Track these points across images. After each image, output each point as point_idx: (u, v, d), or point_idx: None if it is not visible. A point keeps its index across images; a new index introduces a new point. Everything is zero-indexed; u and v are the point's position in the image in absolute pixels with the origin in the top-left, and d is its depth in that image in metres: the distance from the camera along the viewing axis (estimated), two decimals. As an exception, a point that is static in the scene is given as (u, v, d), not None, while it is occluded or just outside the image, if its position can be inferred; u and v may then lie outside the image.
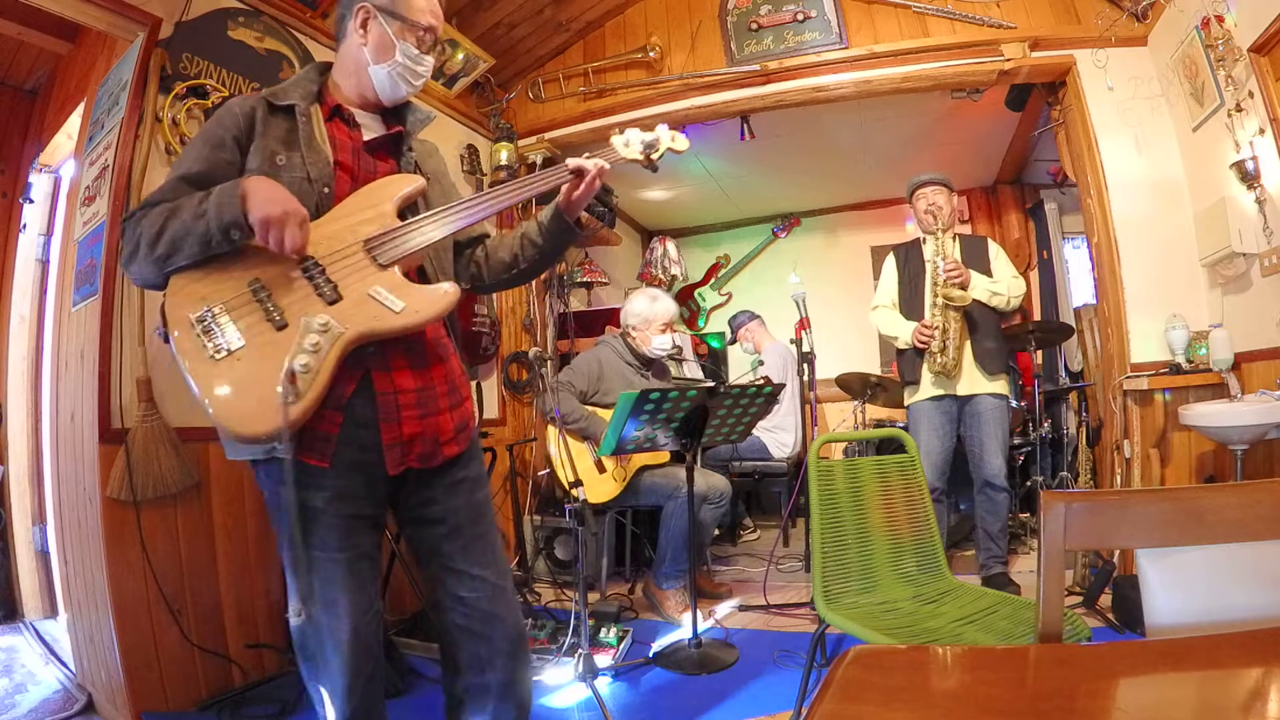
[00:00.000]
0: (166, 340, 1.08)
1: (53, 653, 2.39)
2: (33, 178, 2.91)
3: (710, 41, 3.38)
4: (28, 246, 2.91)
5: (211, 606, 2.08)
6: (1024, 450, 3.68)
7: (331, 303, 1.13)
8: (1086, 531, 0.81)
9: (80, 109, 2.41)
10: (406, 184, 1.27)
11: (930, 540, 1.75)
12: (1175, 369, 2.61)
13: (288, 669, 2.14)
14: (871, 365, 4.98)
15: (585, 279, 4.26)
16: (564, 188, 1.35)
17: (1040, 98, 3.35)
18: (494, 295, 3.60)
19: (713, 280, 6.19)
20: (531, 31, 3.47)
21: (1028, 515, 3.68)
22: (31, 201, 2.91)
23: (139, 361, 1.98)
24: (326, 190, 1.20)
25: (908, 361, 2.85)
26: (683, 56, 3.42)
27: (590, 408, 2.83)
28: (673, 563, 2.71)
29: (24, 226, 2.92)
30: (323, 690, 1.19)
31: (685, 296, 6.09)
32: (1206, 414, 2.22)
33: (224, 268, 1.12)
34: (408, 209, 1.26)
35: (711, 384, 2.61)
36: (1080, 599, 2.50)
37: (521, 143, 3.68)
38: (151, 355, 2.00)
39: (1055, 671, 0.67)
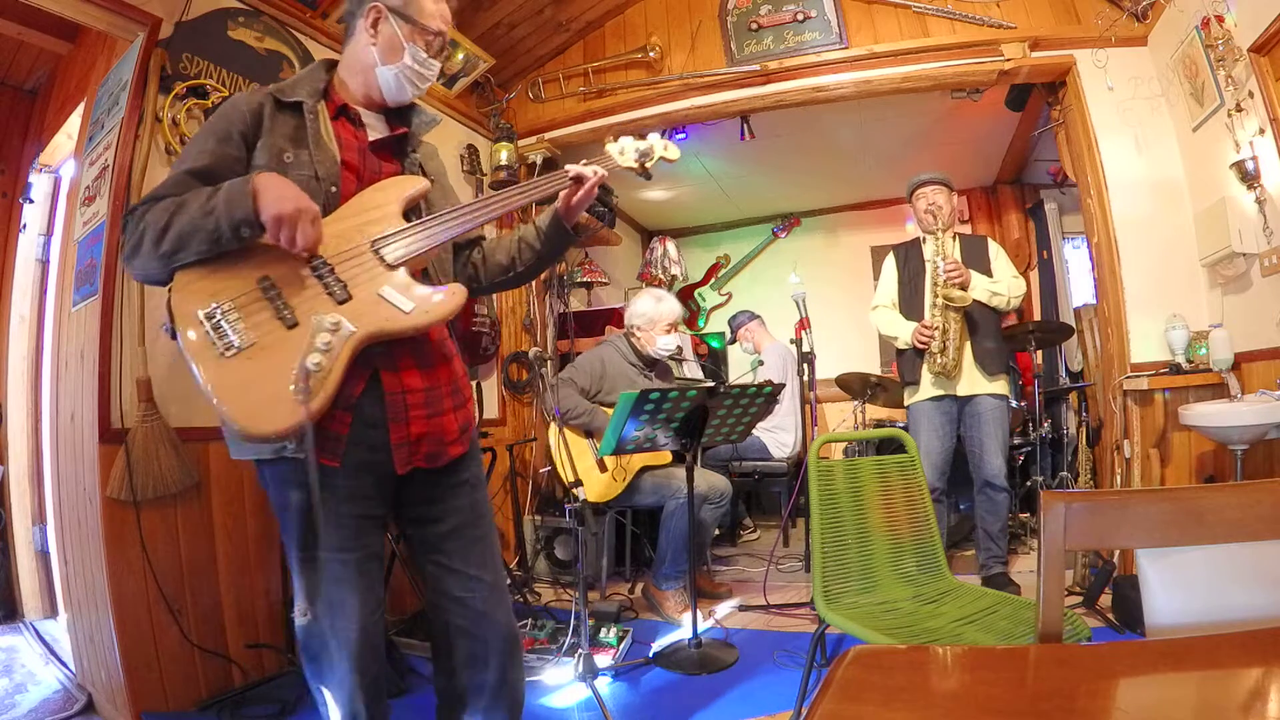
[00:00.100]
0: (174, 336, 1.06)
1: (53, 653, 2.39)
2: (33, 178, 2.91)
3: (710, 41, 3.38)
4: (28, 246, 2.91)
5: (211, 606, 2.08)
6: (1024, 450, 3.68)
7: (341, 302, 1.12)
8: (1086, 531, 0.81)
9: (80, 109, 2.41)
10: (412, 185, 1.27)
11: (930, 540, 1.75)
12: (1175, 369, 2.61)
13: (288, 669, 2.14)
14: (871, 365, 4.98)
15: (585, 279, 4.26)
16: (563, 194, 1.38)
17: (1040, 98, 3.35)
18: (494, 295, 3.60)
19: (713, 280, 6.19)
20: (531, 31, 3.47)
21: (1028, 515, 3.68)
22: (31, 201, 2.91)
23: (139, 361, 1.98)
24: (334, 189, 1.20)
25: (908, 362, 2.85)
26: (683, 56, 3.42)
27: (592, 403, 2.84)
28: (673, 563, 2.71)
29: (24, 226, 2.92)
30: (326, 691, 1.19)
31: (685, 296, 6.09)
32: (1206, 414, 2.22)
33: (231, 264, 1.10)
34: (411, 210, 1.26)
35: (711, 384, 2.61)
36: (1080, 599, 2.50)
37: (521, 143, 3.68)
38: (151, 355, 2.01)
39: (1055, 671, 0.67)
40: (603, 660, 2.21)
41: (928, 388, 2.78)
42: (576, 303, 4.44)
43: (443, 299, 1.19)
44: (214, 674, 2.03)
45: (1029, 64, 2.97)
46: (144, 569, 1.90)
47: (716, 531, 3.73)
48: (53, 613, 2.71)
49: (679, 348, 3.02)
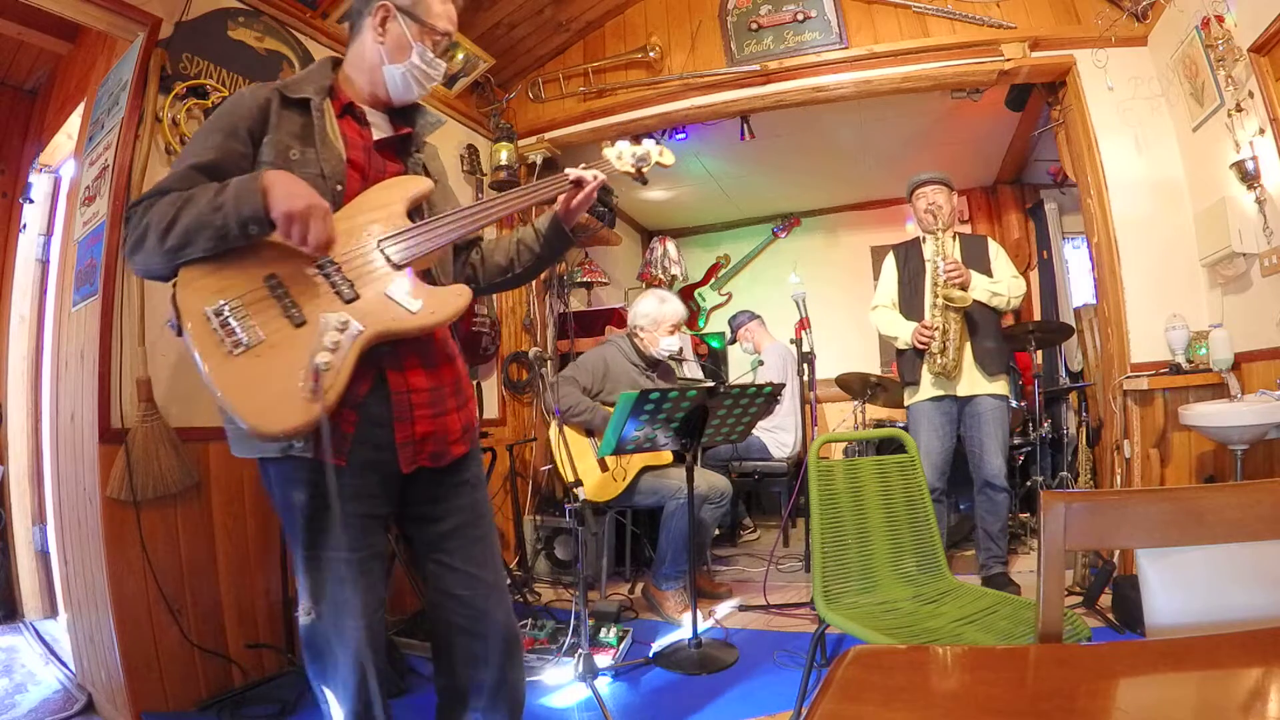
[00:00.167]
0: (179, 333, 1.05)
1: (53, 653, 2.39)
2: (33, 178, 2.91)
3: (710, 41, 3.38)
4: (28, 246, 2.91)
5: (211, 606, 2.08)
6: (1024, 450, 3.68)
7: (349, 301, 1.12)
8: (1086, 531, 0.81)
9: (80, 109, 2.41)
10: (417, 185, 1.28)
11: (930, 540, 1.75)
12: (1175, 369, 2.61)
13: (288, 669, 2.14)
14: (871, 365, 4.98)
15: (585, 279, 4.26)
16: (562, 197, 1.40)
17: (1040, 98, 3.35)
18: (494, 295, 3.60)
19: (713, 280, 6.19)
20: (531, 31, 3.47)
21: (1028, 515, 3.68)
22: (31, 201, 2.91)
23: (139, 361, 1.98)
24: (339, 188, 1.20)
25: (907, 362, 2.85)
26: (683, 56, 3.42)
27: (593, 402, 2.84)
28: (673, 563, 2.71)
29: (24, 226, 2.92)
30: (329, 690, 1.19)
31: (685, 296, 6.09)
32: (1206, 414, 2.22)
33: (237, 261, 1.09)
34: (415, 211, 1.27)
35: (711, 384, 2.61)
36: (1080, 599, 2.50)
37: (521, 143, 3.68)
38: (151, 355, 2.01)
39: (1055, 671, 0.67)
40: (603, 660, 2.21)
41: (928, 388, 2.78)
42: (576, 303, 4.44)
43: (449, 300, 1.20)
44: (214, 674, 2.03)
45: (1029, 64, 2.97)
46: (144, 569, 1.90)
47: (716, 531, 3.73)
48: (53, 613, 2.71)
49: (680, 348, 3.02)
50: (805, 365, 3.00)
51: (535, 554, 3.37)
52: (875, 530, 1.73)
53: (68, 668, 2.24)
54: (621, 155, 1.49)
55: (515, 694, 1.34)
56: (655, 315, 2.95)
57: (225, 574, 2.12)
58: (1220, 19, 2.33)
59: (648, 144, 1.52)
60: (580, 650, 1.96)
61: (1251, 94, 2.27)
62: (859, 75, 3.16)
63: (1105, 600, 2.44)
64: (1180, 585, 0.81)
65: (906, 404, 2.90)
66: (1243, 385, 2.36)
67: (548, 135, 3.68)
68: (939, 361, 2.68)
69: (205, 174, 1.12)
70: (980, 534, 2.79)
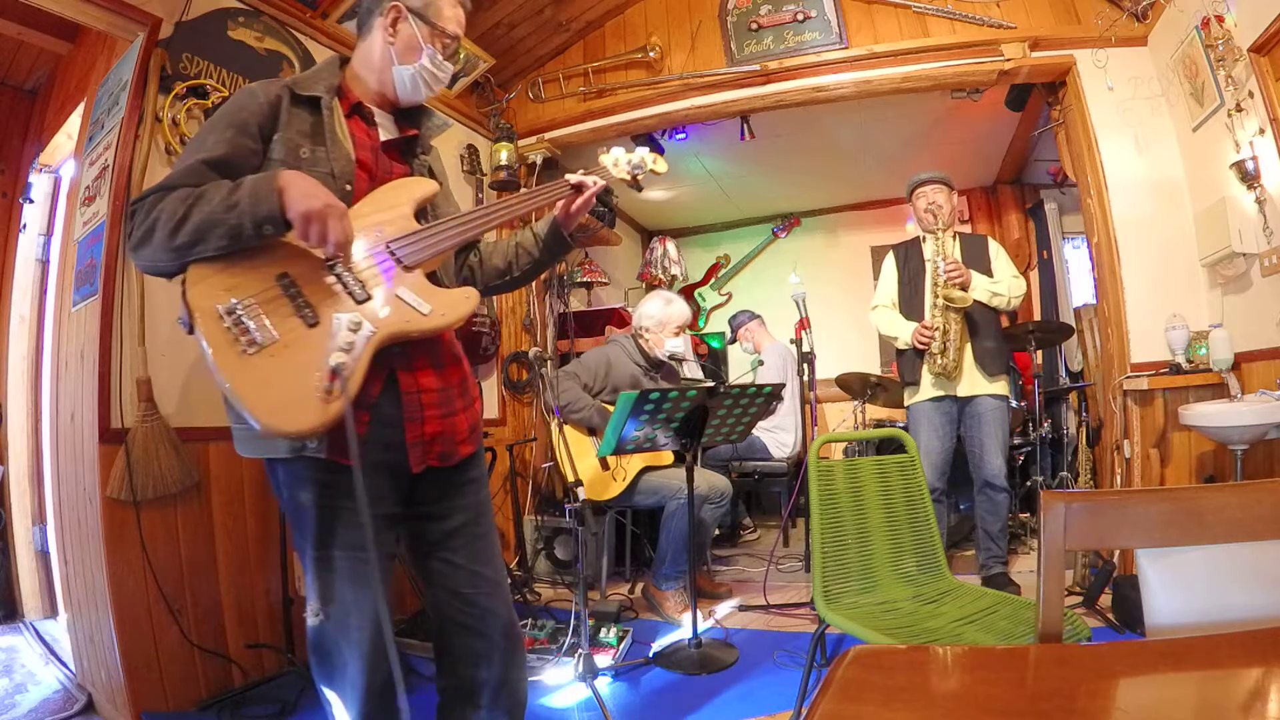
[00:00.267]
0: (190, 330, 1.04)
1: (53, 653, 2.39)
2: (33, 178, 2.91)
3: (710, 41, 3.38)
4: (28, 246, 2.91)
5: (211, 606, 2.08)
6: (1024, 450, 3.68)
7: (361, 302, 1.12)
8: (1086, 531, 0.81)
9: (80, 109, 2.41)
10: (424, 187, 1.29)
11: (930, 540, 1.75)
12: (1175, 369, 2.61)
13: (288, 669, 2.14)
14: (871, 365, 4.98)
15: (585, 279, 4.26)
16: (561, 202, 1.41)
17: (1040, 98, 3.35)
18: (494, 296, 3.60)
19: (713, 280, 6.19)
20: (531, 31, 3.47)
21: (1028, 515, 3.68)
22: (31, 201, 2.91)
23: (139, 361, 1.98)
24: (348, 187, 1.20)
25: (908, 362, 2.85)
26: (683, 56, 3.42)
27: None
28: (672, 563, 2.71)
29: (24, 226, 2.92)
30: (334, 693, 1.19)
31: (685, 296, 6.08)
32: (1206, 414, 2.22)
33: (249, 259, 1.08)
34: (420, 212, 1.27)
35: (711, 384, 2.61)
36: (1080, 599, 2.50)
37: (521, 143, 3.68)
38: (151, 355, 2.01)
39: (1055, 671, 0.67)
40: (603, 660, 2.21)
41: (928, 388, 2.78)
42: (576, 303, 4.44)
43: (459, 302, 1.21)
44: (214, 674, 2.03)
45: (1029, 64, 2.97)
46: (144, 569, 1.90)
47: (716, 531, 3.73)
48: (53, 613, 2.71)
49: (682, 349, 3.02)
50: (805, 365, 3.00)
51: (535, 554, 3.37)
52: (875, 530, 1.73)
53: (68, 668, 2.24)
54: (618, 163, 1.52)
55: (517, 693, 1.35)
56: (661, 317, 2.95)
57: (225, 574, 2.12)
58: (1220, 19, 2.33)
59: (640, 152, 1.55)
60: (580, 650, 1.96)
61: (1251, 94, 2.27)
62: (859, 75, 3.16)
63: (1105, 600, 2.44)
64: (1180, 585, 0.81)
65: (906, 404, 2.90)
66: (1243, 385, 2.36)
67: (548, 135, 3.68)
68: (939, 362, 2.68)
69: (215, 169, 1.10)
70: (980, 534, 2.79)
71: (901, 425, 2.94)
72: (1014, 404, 3.43)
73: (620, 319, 4.15)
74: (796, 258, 5.92)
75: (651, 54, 3.40)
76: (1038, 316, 4.76)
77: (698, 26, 3.40)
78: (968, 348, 2.74)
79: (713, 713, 1.93)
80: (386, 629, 1.09)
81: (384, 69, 1.29)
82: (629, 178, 1.53)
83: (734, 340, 4.50)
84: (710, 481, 2.77)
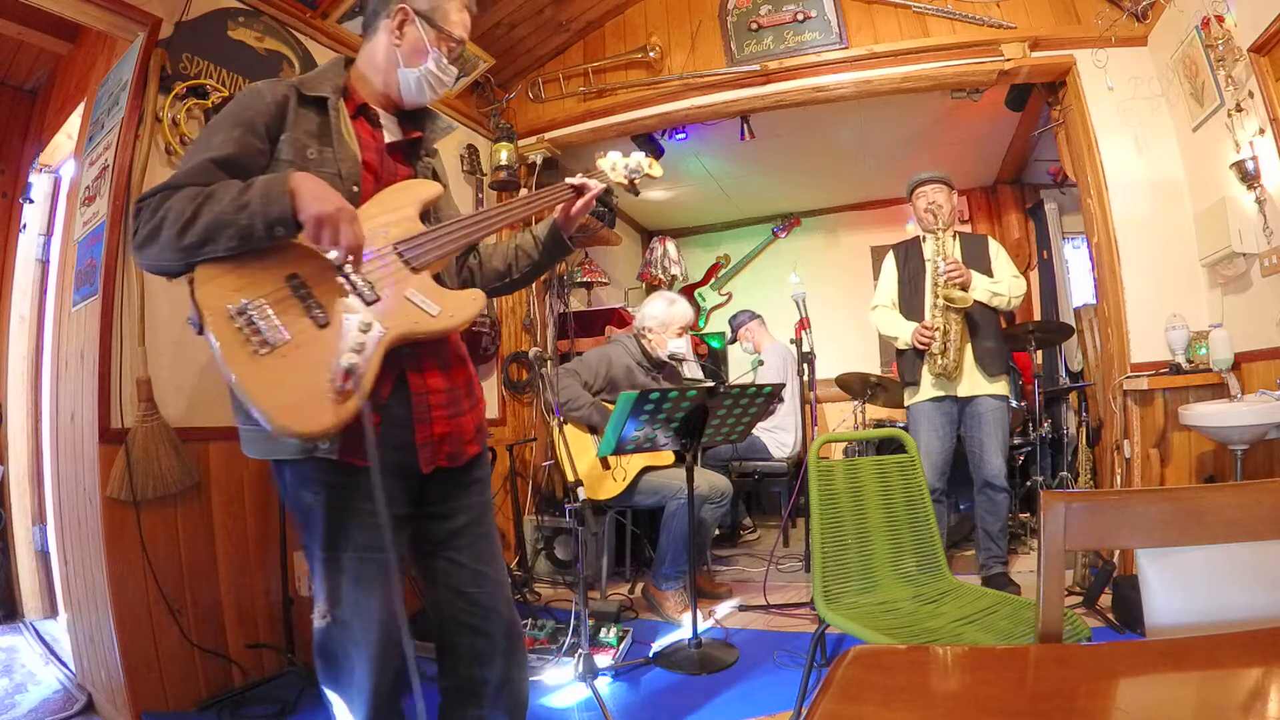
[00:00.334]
0: (201, 331, 1.03)
1: (53, 653, 2.39)
2: (33, 178, 2.91)
3: (710, 41, 3.38)
4: (28, 246, 2.91)
5: (211, 606, 2.08)
6: (1024, 450, 3.68)
7: (370, 303, 1.12)
8: (1086, 531, 0.81)
9: (80, 109, 2.41)
10: (428, 189, 1.29)
11: (930, 540, 1.75)
12: (1175, 369, 2.61)
13: (288, 669, 2.14)
14: (871, 365, 4.98)
15: (585, 279, 4.26)
16: (561, 205, 1.43)
17: (1040, 98, 3.35)
18: (494, 297, 3.60)
19: (713, 280, 6.19)
20: (531, 31, 3.47)
21: (1028, 515, 3.67)
22: (31, 201, 2.91)
23: (139, 361, 1.98)
24: (355, 189, 1.20)
25: (908, 362, 2.85)
26: (683, 56, 3.42)
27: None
28: (672, 563, 2.71)
29: (24, 226, 2.92)
30: (339, 695, 1.18)
31: (685, 296, 6.08)
32: (1206, 414, 2.22)
33: (258, 259, 1.07)
34: (424, 214, 1.28)
35: (711, 384, 2.61)
36: (1080, 599, 2.50)
37: (521, 143, 3.67)
38: (152, 355, 2.01)
39: (1055, 671, 0.67)
40: (603, 660, 2.21)
41: (928, 388, 2.78)
42: (576, 303, 4.44)
43: (466, 303, 1.21)
44: (214, 674, 2.03)
45: (1029, 64, 2.97)
46: (144, 569, 1.90)
47: (717, 531, 3.73)
48: (53, 613, 2.71)
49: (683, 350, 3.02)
50: (805, 365, 3.00)
51: (535, 554, 3.37)
52: (875, 530, 1.73)
53: (68, 668, 2.24)
54: (615, 166, 1.53)
55: (518, 693, 1.35)
56: (664, 318, 2.95)
57: (225, 574, 2.12)
58: (1220, 19, 2.33)
59: (637, 156, 1.56)
60: (580, 650, 1.96)
61: (1251, 94, 2.27)
62: (859, 75, 3.16)
63: (1105, 600, 2.44)
64: (1180, 585, 0.81)
65: (907, 404, 2.90)
66: (1243, 385, 2.36)
67: (548, 135, 3.68)
68: (940, 362, 2.68)
69: (223, 169, 1.09)
70: (980, 534, 2.79)
71: (901, 425, 2.94)
72: (1014, 404, 3.43)
73: (620, 319, 4.15)
74: (796, 258, 5.92)
75: (651, 54, 3.40)
76: (1038, 316, 4.76)
77: (698, 26, 3.40)
78: (968, 348, 2.74)
79: (713, 713, 1.93)
80: (403, 630, 1.09)
81: (389, 71, 1.29)
82: (626, 181, 1.55)
83: (734, 340, 4.50)
84: (710, 481, 2.77)
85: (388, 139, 1.32)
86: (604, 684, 2.09)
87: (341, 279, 1.12)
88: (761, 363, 4.08)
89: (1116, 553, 2.55)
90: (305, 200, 1.05)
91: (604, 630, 2.39)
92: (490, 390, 3.60)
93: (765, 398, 2.36)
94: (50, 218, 2.88)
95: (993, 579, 2.70)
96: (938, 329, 2.68)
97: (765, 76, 3.27)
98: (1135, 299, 2.79)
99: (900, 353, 2.89)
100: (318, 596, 1.17)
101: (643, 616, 2.76)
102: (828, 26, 3.17)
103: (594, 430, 2.82)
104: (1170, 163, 2.80)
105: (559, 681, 2.09)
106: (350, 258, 1.09)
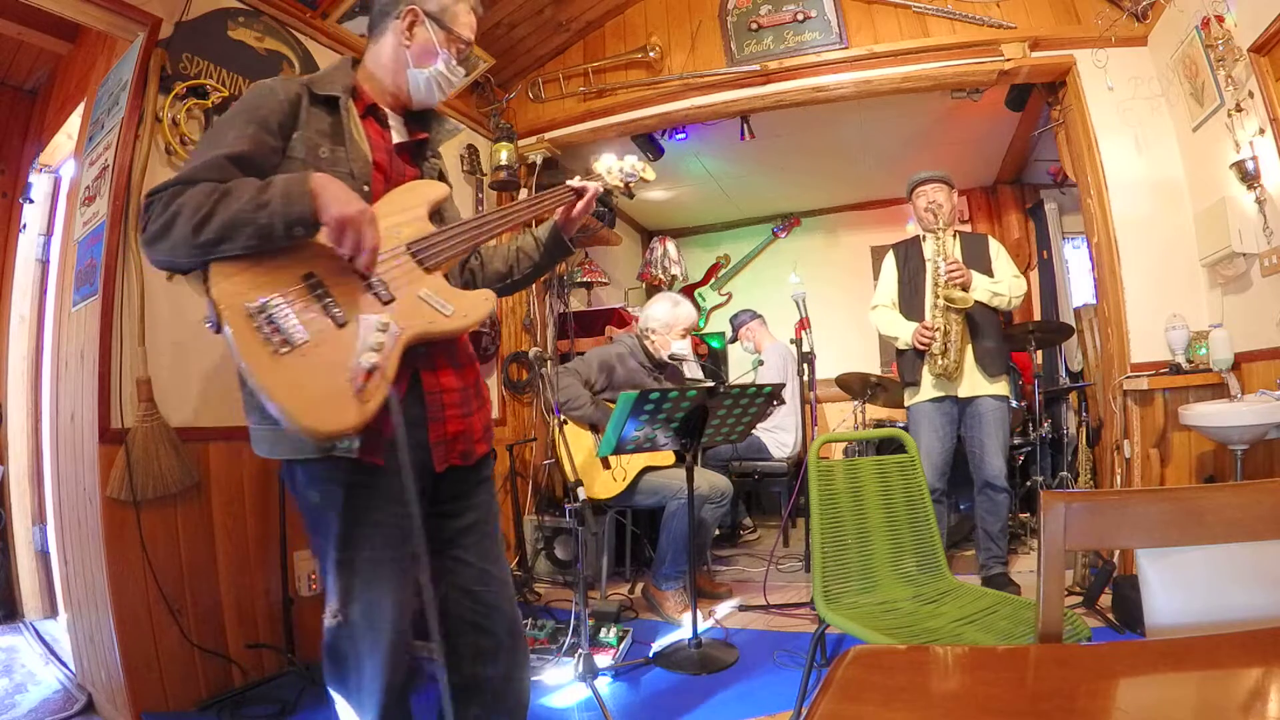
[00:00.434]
0: (218, 330, 1.02)
1: (53, 653, 2.39)
2: (33, 178, 2.91)
3: (710, 41, 3.37)
4: (28, 246, 2.91)
5: (211, 606, 2.08)
6: (1024, 450, 3.68)
7: (386, 303, 1.13)
8: (1086, 531, 0.81)
9: (80, 109, 2.41)
10: (436, 190, 1.30)
11: (930, 540, 1.75)
12: (1175, 369, 2.61)
13: (288, 669, 2.14)
14: (871, 365, 4.98)
15: (585, 279, 4.26)
16: (562, 208, 1.45)
17: (1040, 98, 3.35)
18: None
19: (713, 280, 6.19)
20: (531, 31, 3.47)
21: (1028, 515, 3.67)
22: (31, 201, 2.91)
23: (139, 361, 1.98)
24: (366, 188, 1.20)
25: (908, 362, 2.85)
26: (683, 56, 3.42)
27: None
28: (672, 563, 2.71)
29: (24, 226, 2.92)
30: (344, 694, 1.18)
31: (685, 296, 6.09)
32: (1206, 414, 2.22)
33: (274, 258, 1.07)
34: (433, 215, 1.28)
35: (711, 384, 2.61)
36: (1080, 599, 2.50)
37: (521, 143, 3.67)
38: (152, 355, 2.01)
39: (1055, 671, 0.67)
40: (603, 660, 2.21)
41: (928, 389, 2.78)
42: (576, 303, 4.44)
43: (478, 303, 1.22)
44: (214, 674, 2.03)
45: (1029, 64, 2.96)
46: (144, 569, 1.90)
47: (717, 531, 3.73)
48: (53, 613, 2.71)
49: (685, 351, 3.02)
50: (805, 365, 3.00)
51: (535, 554, 3.37)
52: (875, 530, 1.73)
53: (68, 668, 2.24)
54: (611, 170, 1.55)
55: (520, 692, 1.35)
56: (668, 319, 2.96)
57: (225, 574, 2.12)
58: (1220, 19, 2.33)
59: (630, 159, 1.58)
60: (580, 650, 1.96)
61: (1251, 94, 2.27)
62: (859, 75, 3.16)
63: (1105, 600, 2.44)
64: (1180, 585, 0.81)
65: (907, 404, 2.90)
66: (1243, 385, 2.36)
67: (548, 135, 3.68)
68: (940, 363, 2.68)
69: (238, 165, 1.08)
70: (980, 534, 2.79)
71: (901, 425, 2.94)
72: (1014, 404, 3.43)
73: (620, 319, 4.15)
74: (796, 258, 5.92)
75: (651, 54, 3.40)
76: (1038, 316, 4.76)
77: (698, 26, 3.40)
78: (969, 348, 2.73)
79: (713, 713, 1.93)
80: (433, 624, 1.09)
81: (398, 71, 1.30)
82: (622, 184, 1.57)
83: (735, 339, 4.50)
84: (711, 481, 2.77)
85: (395, 139, 1.32)
86: (604, 684, 2.09)
87: (358, 278, 1.12)
88: (761, 362, 4.08)
89: (1116, 553, 2.55)
90: (326, 202, 1.04)
91: (604, 630, 2.39)
92: (490, 390, 3.60)
93: (765, 398, 2.36)
94: (50, 218, 2.88)
95: (993, 579, 2.69)
96: (938, 329, 2.68)
97: (765, 76, 3.27)
98: (1135, 299, 2.79)
99: (900, 353, 2.89)
100: (329, 596, 1.16)
101: (643, 616, 2.76)
102: (828, 26, 3.17)
103: (595, 429, 2.82)
104: (1170, 163, 2.80)
105: (559, 681, 2.09)
106: (371, 261, 1.09)
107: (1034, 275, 4.96)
